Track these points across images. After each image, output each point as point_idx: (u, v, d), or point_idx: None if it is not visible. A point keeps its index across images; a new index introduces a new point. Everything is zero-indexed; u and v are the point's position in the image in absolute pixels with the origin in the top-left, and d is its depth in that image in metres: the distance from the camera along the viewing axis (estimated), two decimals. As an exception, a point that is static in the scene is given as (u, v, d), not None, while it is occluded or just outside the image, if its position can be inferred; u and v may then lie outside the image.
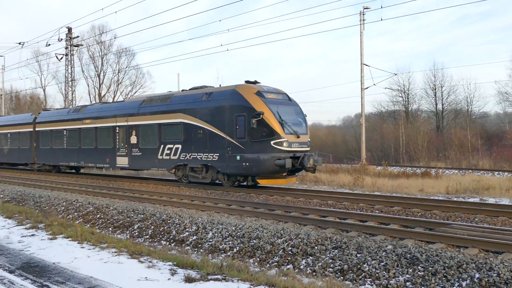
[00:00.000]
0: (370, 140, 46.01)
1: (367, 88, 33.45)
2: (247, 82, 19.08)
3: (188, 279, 6.57)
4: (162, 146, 20.91)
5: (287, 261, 8.36)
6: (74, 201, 15.31)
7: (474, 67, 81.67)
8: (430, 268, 7.02)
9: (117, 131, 23.55)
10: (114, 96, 57.84)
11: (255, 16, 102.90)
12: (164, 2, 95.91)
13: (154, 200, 15.71)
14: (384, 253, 7.80)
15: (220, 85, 20.77)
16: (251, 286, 6.30)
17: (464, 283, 6.57)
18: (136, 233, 11.39)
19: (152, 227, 11.45)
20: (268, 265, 8.38)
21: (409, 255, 7.55)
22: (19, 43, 44.66)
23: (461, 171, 27.94)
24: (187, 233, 10.54)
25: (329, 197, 15.44)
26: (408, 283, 6.83)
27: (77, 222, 12.76)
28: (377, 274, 7.21)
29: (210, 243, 9.79)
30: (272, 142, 17.17)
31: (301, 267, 8.03)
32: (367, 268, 7.42)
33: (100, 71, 58.55)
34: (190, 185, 19.51)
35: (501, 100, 50.35)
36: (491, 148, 39.97)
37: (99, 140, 24.95)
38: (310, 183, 22.17)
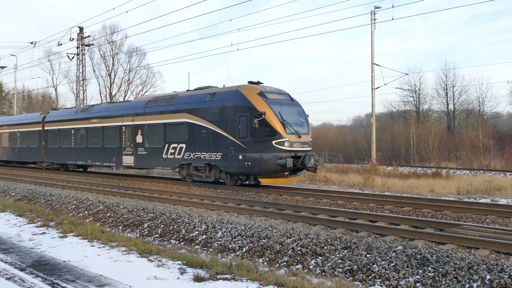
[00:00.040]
0: (380, 140, 45.79)
1: (377, 88, 33.31)
2: (250, 82, 19.28)
3: (197, 279, 6.58)
4: (167, 145, 21.17)
5: (296, 261, 8.35)
6: (84, 200, 15.41)
7: (486, 67, 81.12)
8: (441, 269, 6.97)
9: (123, 130, 23.81)
10: (125, 96, 58.25)
11: (265, 15, 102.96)
12: (175, 2, 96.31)
13: (163, 199, 15.77)
14: (394, 253, 7.76)
15: (224, 85, 20.99)
16: (260, 286, 6.29)
17: (475, 285, 6.51)
18: (146, 232, 11.43)
19: (162, 226, 11.49)
20: (277, 265, 8.37)
21: (419, 255, 7.50)
22: (31, 43, 45.07)
23: (472, 172, 27.70)
24: (196, 232, 10.56)
25: (339, 197, 15.39)
26: (418, 284, 6.78)
27: (88, 220, 12.84)
28: (387, 275, 7.17)
29: (219, 242, 9.80)
30: (273, 142, 17.36)
31: (311, 267, 8.01)
32: (377, 269, 7.38)
33: (111, 70, 59.00)
34: (199, 185, 19.59)
35: (513, 100, 49.95)
36: (503, 149, 39.58)
37: (106, 139, 25.25)
38: (320, 183, 22.12)
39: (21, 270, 7.16)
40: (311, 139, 18.92)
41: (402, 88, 49.02)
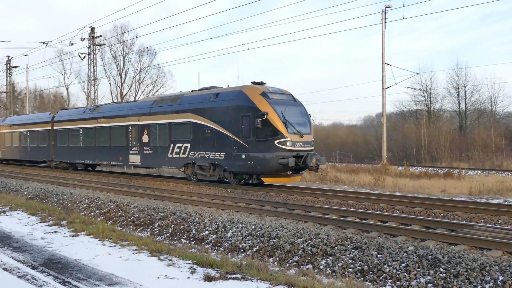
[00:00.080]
0: (391, 140, 45.56)
1: (388, 87, 33.12)
2: (253, 83, 19.50)
3: (208, 278, 6.59)
4: (172, 145, 21.41)
5: (306, 261, 8.33)
6: (95, 199, 15.50)
7: (498, 66, 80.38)
8: (452, 270, 6.91)
9: (130, 130, 24.07)
10: (136, 95, 58.51)
11: (276, 15, 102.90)
12: (185, 2, 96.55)
13: (174, 199, 15.83)
14: (405, 254, 7.71)
15: (228, 85, 21.22)
16: (270, 286, 6.29)
17: (487, 286, 6.45)
18: (157, 231, 11.47)
19: (172, 225, 11.52)
20: (287, 264, 8.36)
21: (430, 256, 7.45)
22: (43, 43, 45.53)
23: (484, 172, 27.43)
24: (207, 232, 10.58)
25: (349, 197, 15.34)
26: (429, 285, 6.73)
27: (99, 219, 12.92)
28: (398, 275, 7.13)
29: (229, 242, 9.80)
30: (276, 142, 17.55)
31: (321, 267, 7.99)
32: (387, 269, 7.34)
33: (122, 70, 59.30)
34: (209, 184, 19.67)
35: (526, 100, 49.46)
36: (516, 149, 39.24)
37: (113, 138, 25.55)
38: (330, 183, 22.06)
39: (33, 268, 7.22)
40: (313, 139, 19.09)
41: (413, 87, 48.79)
